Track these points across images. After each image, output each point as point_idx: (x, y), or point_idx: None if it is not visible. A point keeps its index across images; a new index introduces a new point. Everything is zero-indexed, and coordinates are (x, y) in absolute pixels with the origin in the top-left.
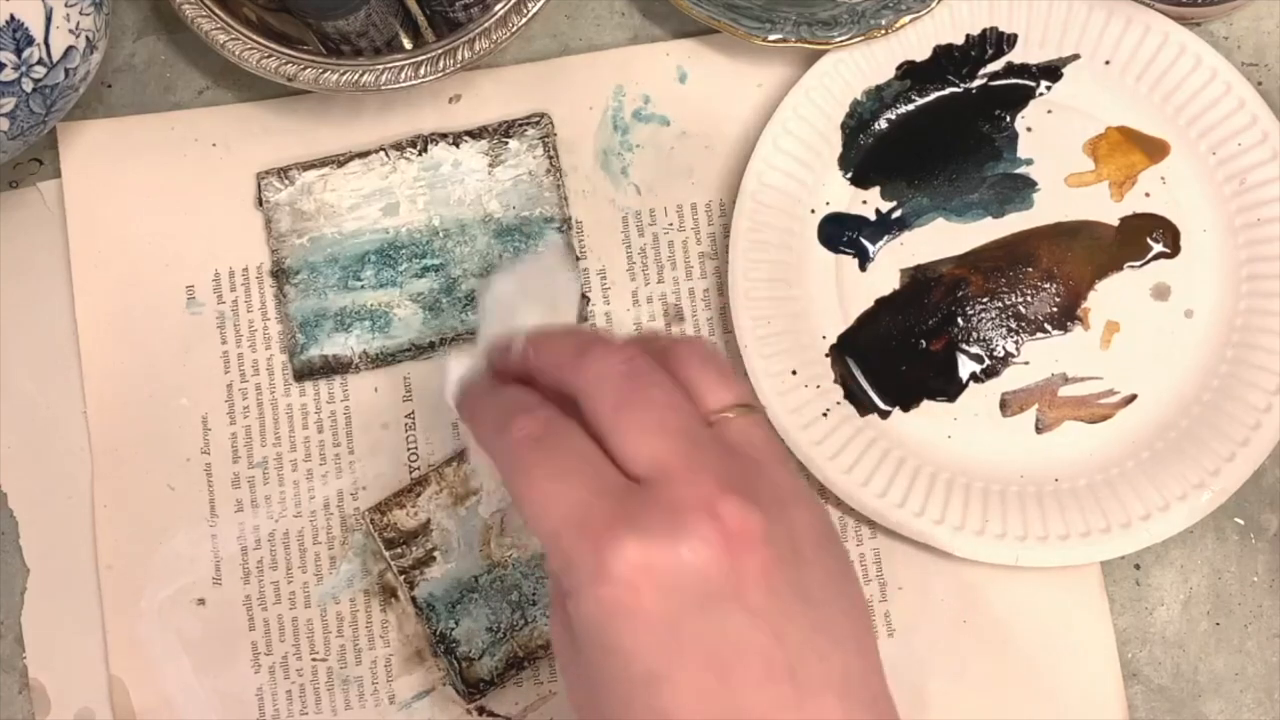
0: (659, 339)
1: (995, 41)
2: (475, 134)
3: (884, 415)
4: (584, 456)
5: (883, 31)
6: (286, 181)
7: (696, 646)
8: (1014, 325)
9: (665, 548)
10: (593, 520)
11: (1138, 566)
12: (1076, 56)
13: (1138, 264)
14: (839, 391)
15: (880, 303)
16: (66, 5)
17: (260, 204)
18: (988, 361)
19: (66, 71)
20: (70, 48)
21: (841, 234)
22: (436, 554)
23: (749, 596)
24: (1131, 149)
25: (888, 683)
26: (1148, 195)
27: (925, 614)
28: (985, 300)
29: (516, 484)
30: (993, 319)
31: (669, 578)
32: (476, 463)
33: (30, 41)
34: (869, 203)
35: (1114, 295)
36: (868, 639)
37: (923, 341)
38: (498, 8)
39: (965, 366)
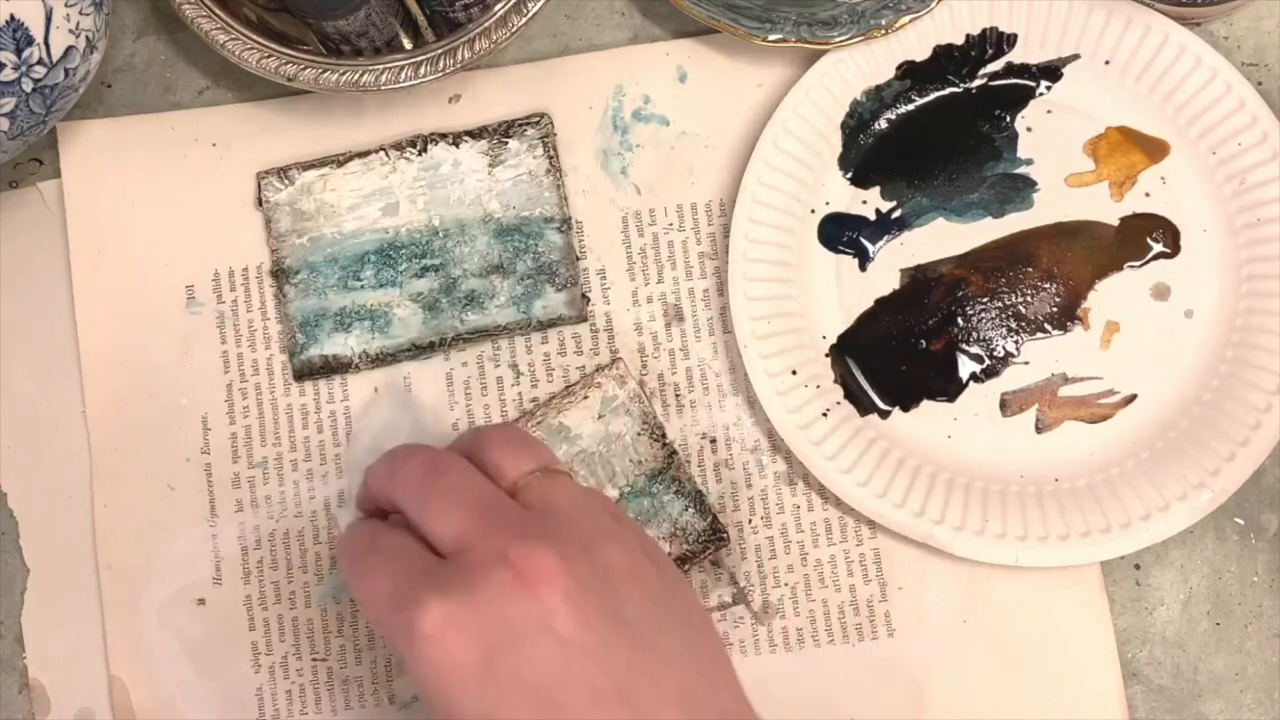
0: (467, 432)
1: (995, 41)
2: (475, 134)
3: (884, 415)
4: (400, 550)
5: (883, 31)
6: (286, 181)
7: (516, 683)
8: (1014, 325)
9: (464, 598)
10: (405, 595)
11: (1138, 566)
12: (1076, 56)
13: (1138, 264)
14: (839, 391)
15: (880, 303)
16: (66, 5)
17: (260, 204)
18: (988, 361)
19: (66, 71)
20: (70, 48)
21: (841, 234)
22: None
23: (557, 627)
24: (1131, 149)
25: (745, 699)
26: (1148, 195)
27: (925, 614)
28: (985, 300)
29: (353, 589)
30: (993, 319)
31: (473, 624)
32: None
33: (30, 41)
34: (869, 203)
35: (1114, 295)
36: (710, 656)
37: (923, 341)
38: (498, 8)
39: (965, 366)
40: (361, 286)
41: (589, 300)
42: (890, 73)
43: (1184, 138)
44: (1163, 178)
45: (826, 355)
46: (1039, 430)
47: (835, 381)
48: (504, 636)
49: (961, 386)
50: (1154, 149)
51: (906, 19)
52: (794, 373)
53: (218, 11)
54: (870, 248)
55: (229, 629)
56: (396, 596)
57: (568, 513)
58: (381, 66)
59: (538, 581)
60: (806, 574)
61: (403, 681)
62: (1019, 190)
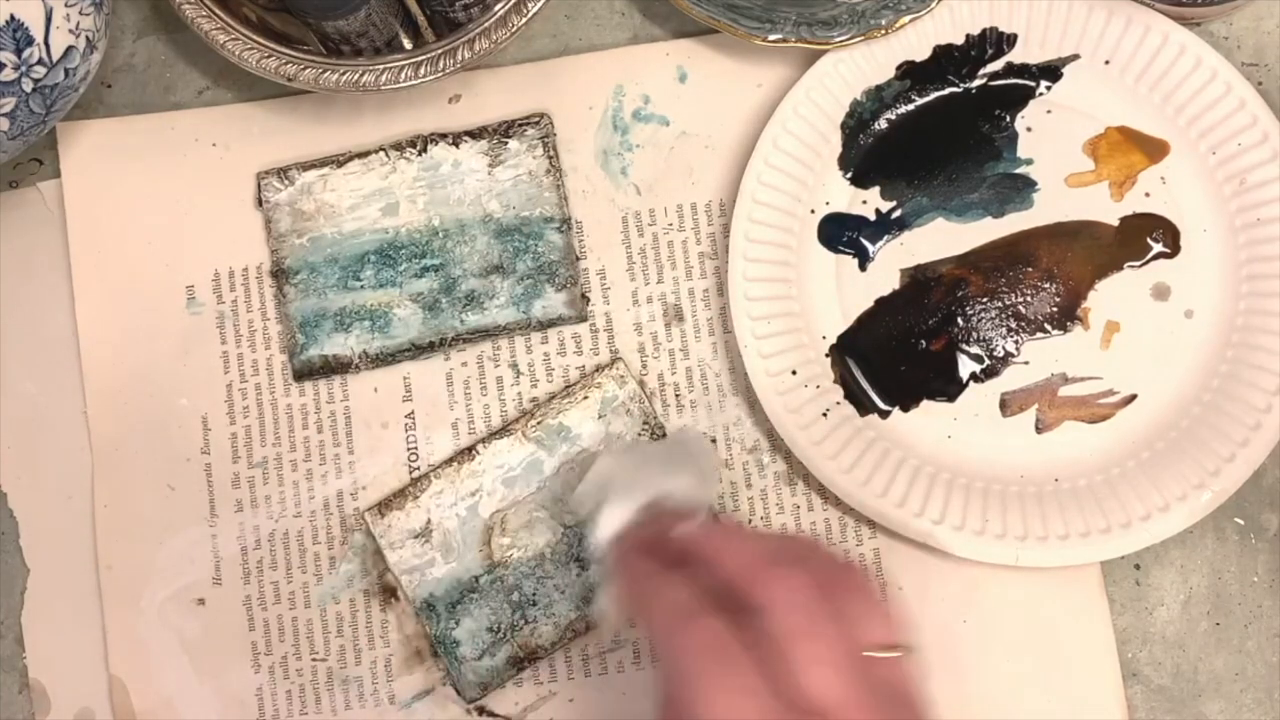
0: (824, 558)
1: (995, 41)
2: (475, 134)
3: (884, 415)
4: (758, 681)
5: (883, 31)
6: (286, 181)
7: None
8: (1014, 325)
9: None
10: None
11: (1138, 566)
12: (1076, 56)
13: (1138, 264)
14: (839, 391)
15: (880, 303)
16: (66, 5)
17: (260, 204)
18: (988, 361)
19: (66, 71)
20: (70, 48)
21: (841, 234)
22: (436, 554)
23: None
24: (1131, 149)
25: None
26: (1147, 195)
27: (925, 614)
28: (985, 300)
29: (694, 687)
30: (993, 319)
31: None
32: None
33: (30, 41)
34: (869, 203)
35: (1114, 295)
36: None
37: (923, 341)
38: (498, 8)
39: (965, 366)
40: (361, 286)
41: (589, 300)
42: (890, 73)
43: (1184, 138)
44: (1163, 178)
45: (826, 355)
46: (1039, 430)
47: (835, 381)
48: None
49: (961, 386)
50: (1154, 149)
51: (906, 19)
52: (794, 373)
53: (218, 11)
54: (870, 248)
55: (229, 629)
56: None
57: (913, 710)
58: (381, 66)
59: None
60: None
61: (403, 681)
62: (1019, 190)
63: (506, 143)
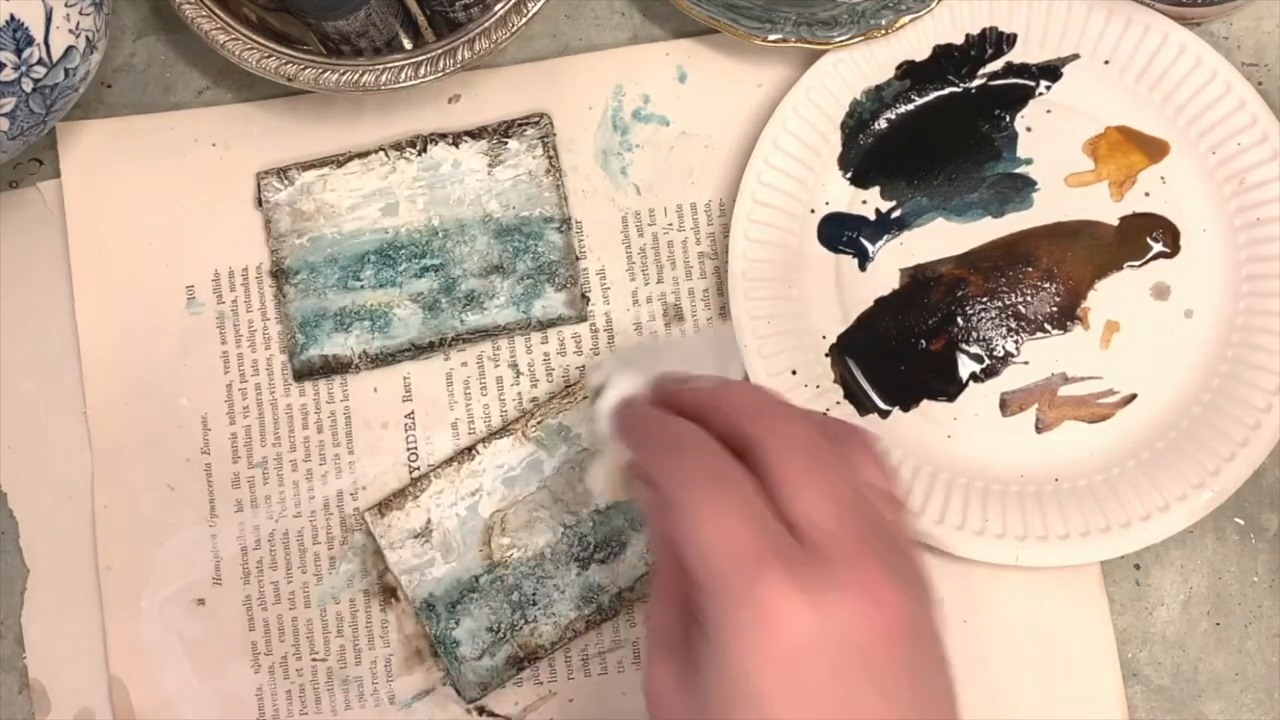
0: (832, 420)
1: (995, 41)
2: (475, 134)
3: (884, 415)
4: (752, 501)
5: (883, 31)
6: (286, 181)
7: (828, 708)
8: (1014, 325)
9: (827, 611)
10: (757, 563)
11: (1138, 566)
12: (1076, 56)
13: (1137, 264)
14: (839, 391)
15: (880, 302)
16: (66, 5)
17: (260, 204)
18: (987, 361)
19: (66, 71)
20: (70, 48)
21: (841, 234)
22: (436, 554)
23: (881, 676)
24: (1131, 148)
25: None
26: (1147, 195)
27: None
28: (985, 300)
29: (685, 513)
30: (992, 319)
31: (826, 640)
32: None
33: (30, 41)
34: (869, 202)
35: (1114, 295)
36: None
37: (922, 341)
38: (498, 8)
39: (965, 366)
40: (361, 286)
41: (589, 300)
42: (890, 72)
43: (1184, 137)
44: (1162, 177)
45: (826, 355)
46: (1039, 430)
47: (835, 381)
48: (843, 666)
49: (961, 386)
50: (1154, 149)
51: (907, 19)
52: (794, 372)
53: (218, 11)
54: (870, 247)
55: (229, 629)
56: (745, 558)
57: (909, 551)
58: (381, 66)
59: (891, 631)
60: None
61: (403, 681)
62: (1019, 190)
63: (506, 143)
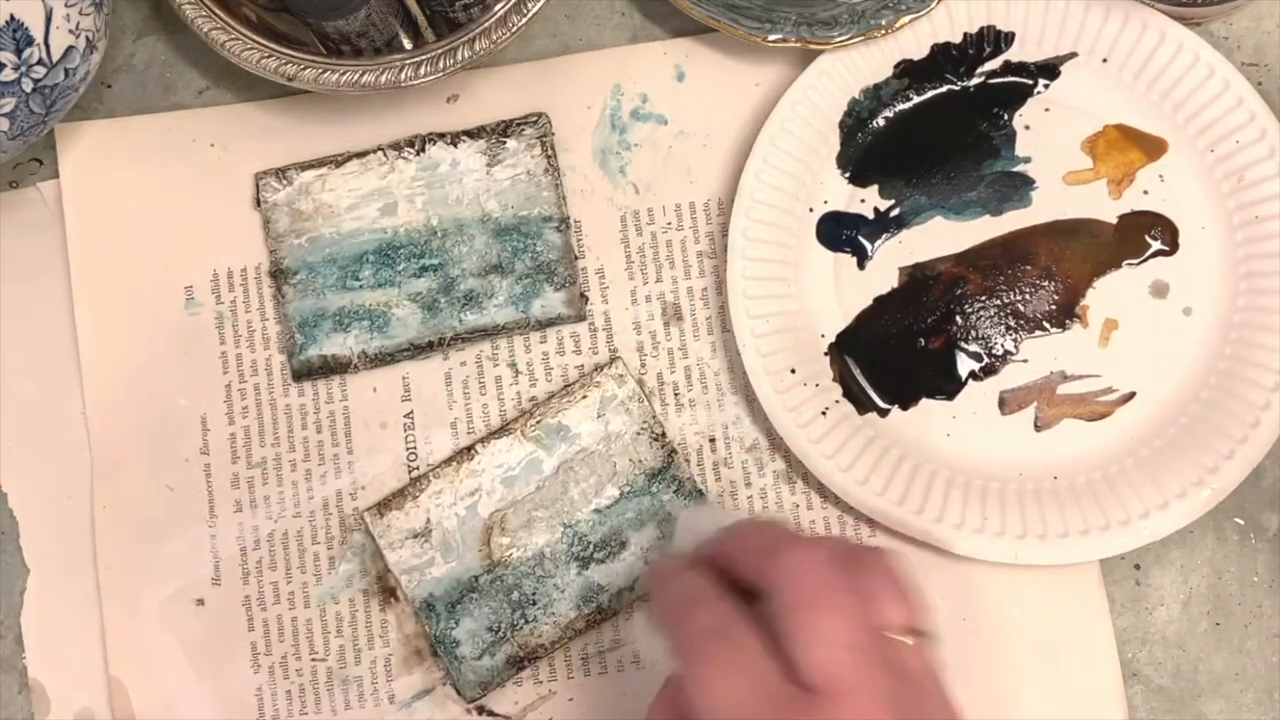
0: (846, 542)
1: (993, 40)
2: (473, 134)
3: (883, 413)
4: (757, 658)
5: (883, 31)
6: (284, 182)
7: None
8: (1012, 323)
9: None
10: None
11: (1138, 566)
12: (1074, 54)
13: (1136, 261)
14: (838, 390)
15: (879, 301)
16: (66, 5)
17: (258, 204)
18: (986, 359)
19: (66, 71)
20: (70, 48)
21: (840, 232)
22: (436, 554)
23: None
24: (1129, 147)
25: None
26: (1146, 193)
27: None
28: (984, 298)
29: (691, 671)
30: (991, 317)
31: None
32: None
33: (30, 41)
34: (867, 201)
35: (1112, 293)
36: None
37: (921, 340)
38: (498, 8)
39: (964, 364)
40: (360, 286)
41: (587, 299)
42: (888, 71)
43: (1182, 135)
44: (1161, 175)
45: (825, 354)
46: (1038, 428)
47: (834, 380)
48: None
49: (960, 384)
50: (1152, 147)
51: (906, 19)
52: (793, 371)
53: (218, 11)
54: (869, 246)
55: (228, 629)
56: (744, 710)
57: (930, 694)
58: (381, 66)
59: None
60: None
61: (402, 681)
62: (1017, 188)
63: (505, 142)
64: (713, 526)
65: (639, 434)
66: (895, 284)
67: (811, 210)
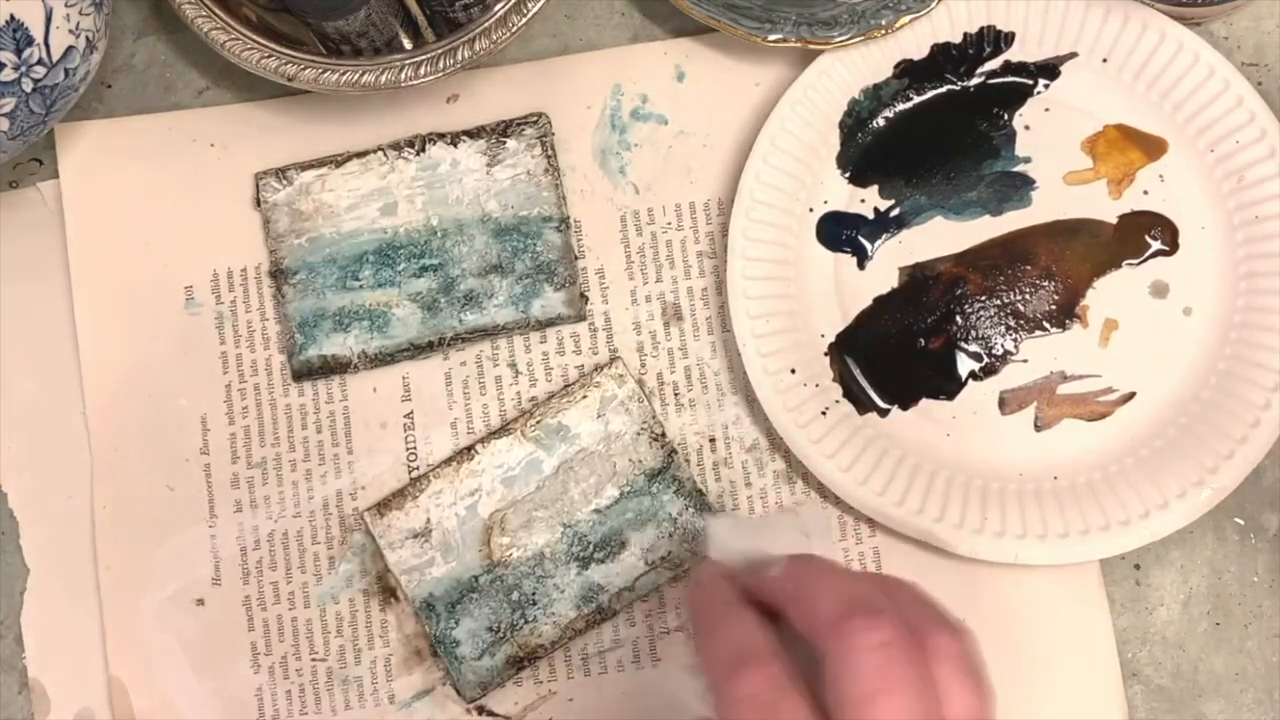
0: (918, 605)
1: (993, 40)
2: (473, 134)
3: (883, 413)
4: None
5: (883, 31)
6: (284, 182)
7: None
8: (1012, 323)
9: None
10: None
11: (1138, 566)
12: (1074, 54)
13: (1136, 261)
14: (838, 390)
15: (879, 301)
16: (66, 5)
17: (258, 204)
18: (986, 359)
19: (66, 71)
20: (70, 48)
21: (840, 232)
22: (436, 554)
23: None
24: (1129, 147)
25: None
26: (1146, 193)
27: None
28: (984, 298)
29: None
30: (991, 317)
31: None
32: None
33: (30, 41)
34: (867, 201)
35: (1112, 293)
36: None
37: (921, 340)
38: (498, 8)
39: (964, 365)
40: (360, 286)
41: (587, 299)
42: (888, 71)
43: (1182, 135)
44: (1161, 175)
45: (825, 354)
46: (1038, 428)
47: (834, 380)
48: None
49: (960, 385)
50: (1152, 147)
51: (906, 19)
52: (793, 371)
53: (218, 11)
54: (869, 246)
55: (228, 629)
56: None
57: None
58: (381, 66)
59: None
60: None
61: (402, 681)
62: (1017, 188)
63: (505, 142)
64: (751, 544)
65: (639, 434)
66: (895, 284)
67: (811, 210)
